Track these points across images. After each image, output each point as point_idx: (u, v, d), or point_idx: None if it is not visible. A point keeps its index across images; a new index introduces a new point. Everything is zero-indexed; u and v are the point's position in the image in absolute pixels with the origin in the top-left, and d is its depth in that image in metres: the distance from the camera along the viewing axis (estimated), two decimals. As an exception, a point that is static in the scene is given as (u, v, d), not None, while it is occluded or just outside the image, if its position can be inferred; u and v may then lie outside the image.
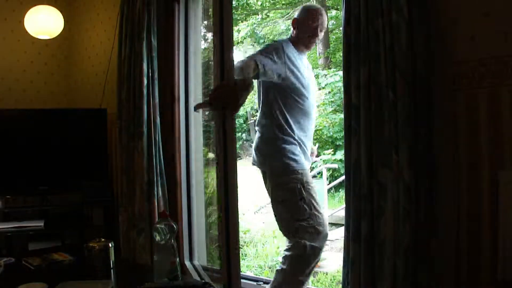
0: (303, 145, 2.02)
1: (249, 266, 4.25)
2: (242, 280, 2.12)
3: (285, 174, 1.97)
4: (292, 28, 2.10)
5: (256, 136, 2.10)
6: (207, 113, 2.66)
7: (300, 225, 1.91)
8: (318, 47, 9.39)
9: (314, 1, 9.30)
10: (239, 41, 10.75)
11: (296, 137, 2.00)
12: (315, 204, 1.97)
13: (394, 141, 1.36)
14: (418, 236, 1.33)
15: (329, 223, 3.55)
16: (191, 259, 2.35)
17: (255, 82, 2.05)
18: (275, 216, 2.02)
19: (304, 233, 1.91)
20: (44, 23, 2.67)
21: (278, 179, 2.00)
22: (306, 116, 2.03)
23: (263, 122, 2.05)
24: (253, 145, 2.15)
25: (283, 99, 2.00)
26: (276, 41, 2.16)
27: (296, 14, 2.11)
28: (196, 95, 2.43)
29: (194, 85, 2.41)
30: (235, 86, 1.47)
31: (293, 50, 2.04)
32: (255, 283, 2.05)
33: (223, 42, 1.42)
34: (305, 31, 2.03)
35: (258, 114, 2.13)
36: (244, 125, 14.86)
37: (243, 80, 1.64)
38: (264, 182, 2.10)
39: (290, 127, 1.99)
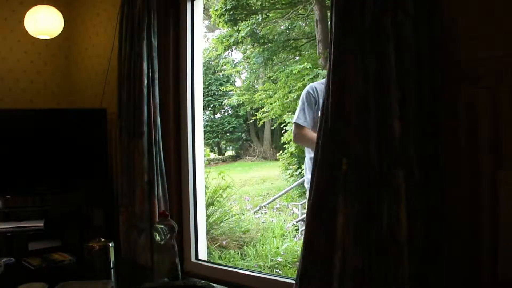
0: None
1: (249, 266, 4.25)
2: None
3: None
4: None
5: None
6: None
7: None
8: (318, 47, 9.37)
9: (314, 1, 9.29)
10: (239, 41, 10.74)
11: None
12: None
13: (403, 140, 1.36)
14: (428, 236, 1.33)
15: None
16: (196, 257, 2.36)
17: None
18: None
19: None
20: (44, 23, 2.67)
21: None
22: None
23: None
24: None
25: None
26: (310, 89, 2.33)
27: None
28: (197, 95, 2.43)
29: (195, 85, 2.41)
30: None
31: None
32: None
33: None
34: None
35: None
36: (244, 125, 14.84)
37: None
38: None
39: None
